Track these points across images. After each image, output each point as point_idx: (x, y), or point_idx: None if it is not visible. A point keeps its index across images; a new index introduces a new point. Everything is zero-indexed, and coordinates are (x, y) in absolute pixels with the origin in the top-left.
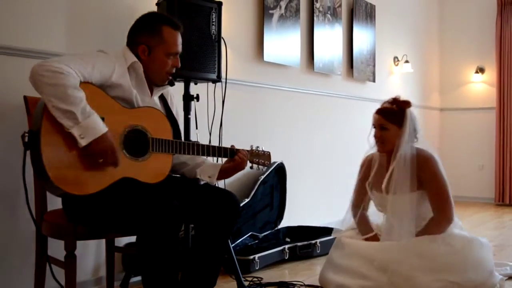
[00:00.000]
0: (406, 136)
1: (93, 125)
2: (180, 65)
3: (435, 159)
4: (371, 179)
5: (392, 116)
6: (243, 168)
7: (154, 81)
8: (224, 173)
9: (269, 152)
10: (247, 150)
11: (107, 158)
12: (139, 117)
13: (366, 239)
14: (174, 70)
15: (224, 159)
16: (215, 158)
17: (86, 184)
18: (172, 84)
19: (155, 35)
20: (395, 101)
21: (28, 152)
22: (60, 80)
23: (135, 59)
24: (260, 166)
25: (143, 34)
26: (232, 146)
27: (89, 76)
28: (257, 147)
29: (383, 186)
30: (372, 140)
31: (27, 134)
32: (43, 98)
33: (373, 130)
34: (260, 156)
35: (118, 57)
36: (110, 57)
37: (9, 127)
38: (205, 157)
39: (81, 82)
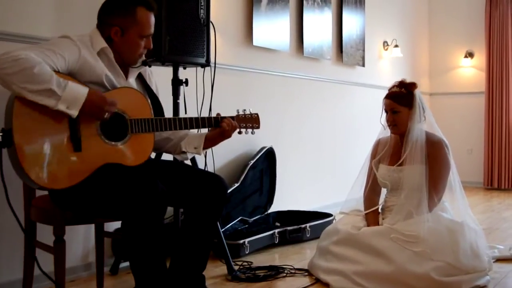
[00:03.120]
0: (417, 116)
1: (74, 93)
2: (152, 46)
3: (445, 143)
4: (378, 157)
5: (402, 99)
6: (230, 135)
7: (126, 63)
8: (210, 141)
9: (257, 114)
10: (234, 116)
11: (109, 109)
12: None
13: (367, 214)
14: (145, 52)
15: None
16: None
17: (65, 177)
18: (145, 64)
19: (128, 16)
20: (402, 84)
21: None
22: (22, 64)
23: (104, 44)
24: (249, 130)
25: (116, 15)
26: (218, 114)
27: (53, 63)
28: (244, 110)
29: (402, 159)
30: (384, 123)
31: (0, 134)
32: (15, 90)
33: (384, 114)
34: (247, 120)
35: (83, 42)
36: (74, 42)
37: None
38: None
39: None
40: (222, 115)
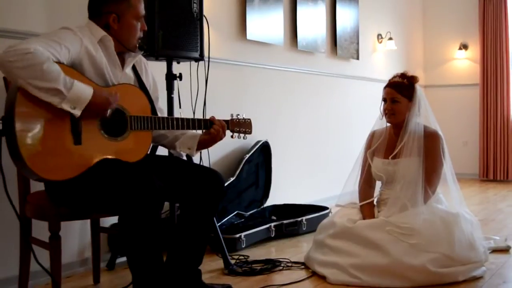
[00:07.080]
0: (416, 109)
1: (79, 93)
2: (146, 28)
3: (440, 136)
4: (373, 148)
5: (403, 90)
6: (220, 139)
7: (128, 48)
8: (202, 144)
9: (250, 120)
10: (227, 120)
11: (112, 106)
12: None
13: (362, 207)
14: (142, 35)
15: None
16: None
17: (64, 169)
18: (141, 49)
19: (122, 1)
20: (405, 75)
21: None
22: (31, 60)
23: (104, 33)
24: (241, 135)
25: (110, 2)
26: (212, 117)
27: (58, 55)
28: (237, 115)
29: (397, 151)
30: (382, 112)
31: (0, 122)
32: (21, 84)
33: (383, 103)
34: (240, 125)
35: (84, 32)
36: (75, 33)
37: None
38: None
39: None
40: (216, 110)
